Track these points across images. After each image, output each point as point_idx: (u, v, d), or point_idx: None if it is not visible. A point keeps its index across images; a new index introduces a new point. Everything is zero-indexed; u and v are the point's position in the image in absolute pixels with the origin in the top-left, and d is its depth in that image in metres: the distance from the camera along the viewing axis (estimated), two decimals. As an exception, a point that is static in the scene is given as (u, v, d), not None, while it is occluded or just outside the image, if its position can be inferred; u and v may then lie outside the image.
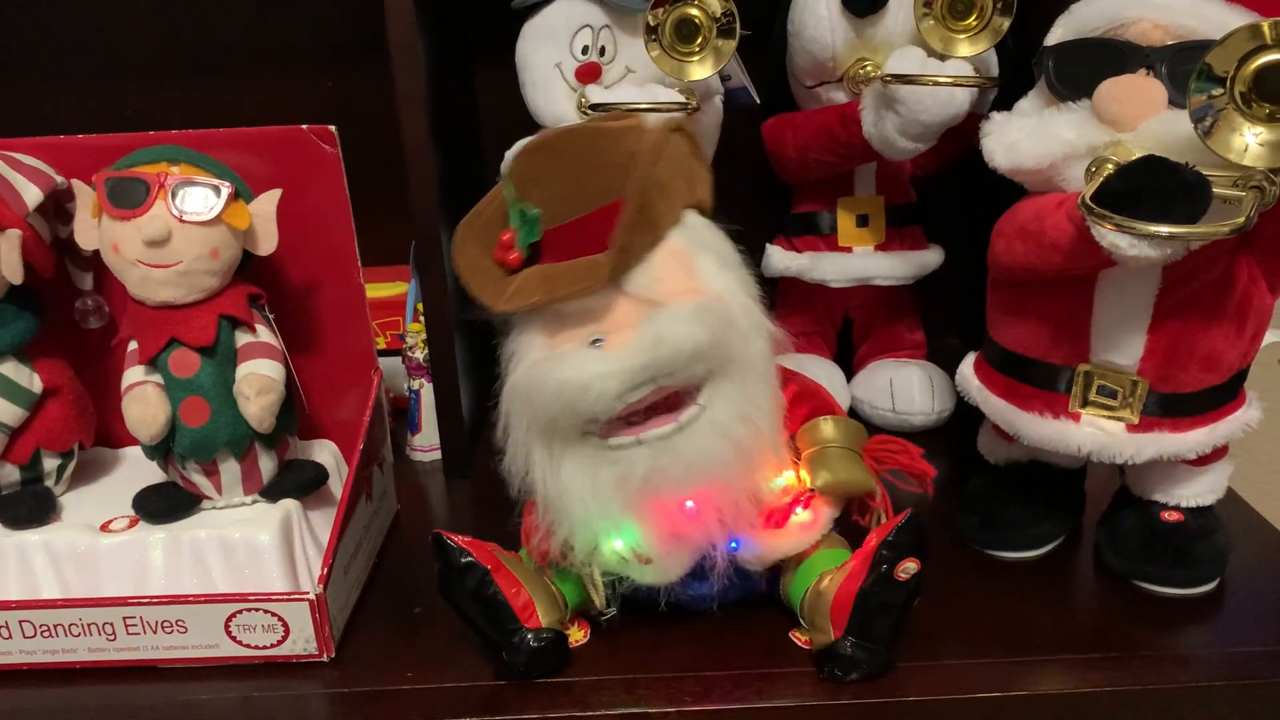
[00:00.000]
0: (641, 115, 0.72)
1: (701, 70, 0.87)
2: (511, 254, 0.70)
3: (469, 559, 0.69)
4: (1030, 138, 0.72)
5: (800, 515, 0.73)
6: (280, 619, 0.72)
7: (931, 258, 1.05)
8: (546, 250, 0.70)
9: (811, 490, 0.73)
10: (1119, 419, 0.75)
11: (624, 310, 0.67)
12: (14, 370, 0.79)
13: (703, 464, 0.66)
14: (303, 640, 0.72)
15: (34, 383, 0.80)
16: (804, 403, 0.76)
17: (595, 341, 0.67)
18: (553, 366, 0.66)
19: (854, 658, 0.68)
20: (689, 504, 0.68)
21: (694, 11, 0.85)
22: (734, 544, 0.71)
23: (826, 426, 0.75)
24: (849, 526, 0.76)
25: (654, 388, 0.65)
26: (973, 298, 1.09)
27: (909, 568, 0.66)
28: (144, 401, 0.75)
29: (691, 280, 0.68)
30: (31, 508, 0.79)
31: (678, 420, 0.67)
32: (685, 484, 0.66)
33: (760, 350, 0.70)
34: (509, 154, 0.96)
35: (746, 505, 0.68)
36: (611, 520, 0.67)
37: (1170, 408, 0.74)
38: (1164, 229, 0.61)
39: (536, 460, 0.69)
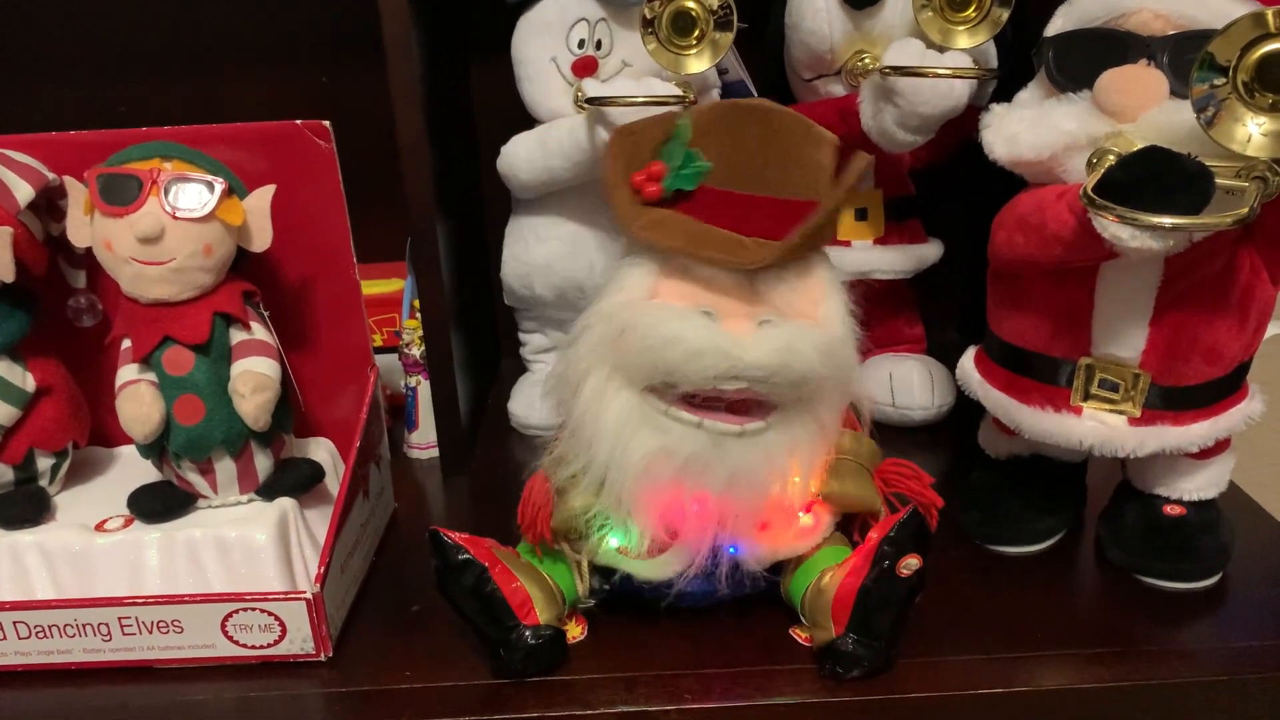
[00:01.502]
0: (827, 136, 0.69)
1: (699, 63, 0.86)
2: (652, 186, 0.67)
3: (466, 556, 0.68)
4: (1030, 129, 0.71)
5: (803, 519, 0.73)
6: (277, 618, 0.71)
7: (931, 251, 1.04)
8: (691, 203, 0.68)
9: (817, 496, 0.72)
10: (1121, 412, 0.74)
11: (744, 300, 0.66)
12: (7, 369, 0.79)
13: (742, 477, 0.66)
14: (300, 640, 0.72)
15: (27, 382, 0.80)
16: None
17: (706, 313, 0.66)
18: (671, 317, 0.64)
19: (855, 654, 0.67)
20: (693, 506, 0.68)
21: (691, 4, 0.84)
22: (733, 549, 0.71)
23: (844, 439, 0.74)
24: (848, 531, 0.76)
25: (747, 387, 0.64)
26: (972, 292, 1.09)
27: (911, 564, 0.66)
28: (138, 400, 0.75)
29: (817, 310, 0.67)
30: (25, 508, 0.78)
31: (743, 426, 0.66)
32: (715, 485, 0.66)
33: (839, 399, 0.70)
34: (508, 146, 0.96)
35: (749, 517, 0.68)
36: (629, 478, 0.66)
37: (1172, 400, 0.74)
38: (1166, 220, 0.61)
39: (590, 386, 0.67)
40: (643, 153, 0.69)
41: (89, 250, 0.77)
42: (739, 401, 0.66)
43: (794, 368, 0.64)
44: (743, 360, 0.63)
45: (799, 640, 0.72)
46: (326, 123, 0.81)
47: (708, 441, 0.66)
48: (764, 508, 0.68)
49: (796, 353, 0.64)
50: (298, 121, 0.81)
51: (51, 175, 0.79)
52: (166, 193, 0.74)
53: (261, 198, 0.78)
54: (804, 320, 0.66)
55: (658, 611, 0.73)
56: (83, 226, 0.76)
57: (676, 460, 0.66)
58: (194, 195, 0.75)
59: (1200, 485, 0.79)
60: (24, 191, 0.77)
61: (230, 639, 0.72)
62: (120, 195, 0.74)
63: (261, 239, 0.78)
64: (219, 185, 0.75)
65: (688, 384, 0.64)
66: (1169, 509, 0.80)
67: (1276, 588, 0.77)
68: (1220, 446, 0.78)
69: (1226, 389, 0.75)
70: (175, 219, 0.74)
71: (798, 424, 0.68)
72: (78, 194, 0.77)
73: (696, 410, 0.66)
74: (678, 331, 0.64)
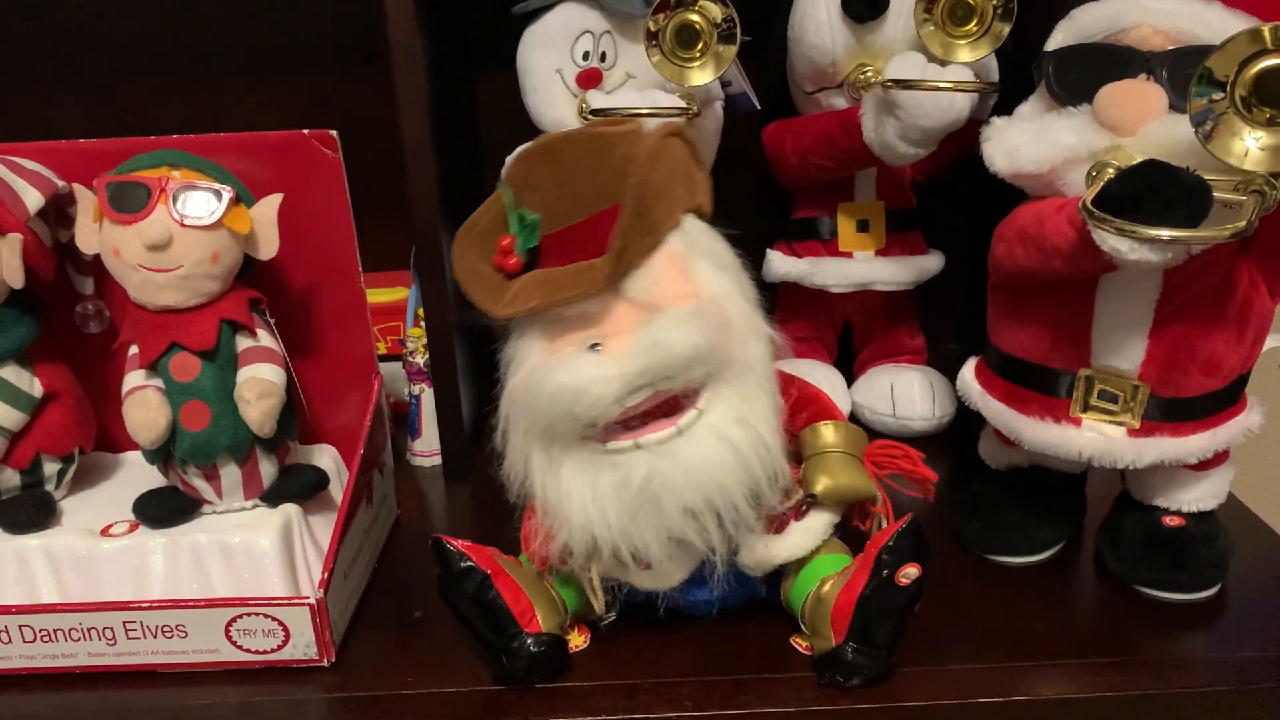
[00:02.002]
0: (640, 120, 0.72)
1: (702, 76, 0.87)
2: (510, 259, 0.69)
3: (469, 563, 0.69)
4: (1031, 142, 0.72)
5: (800, 521, 0.73)
6: (280, 624, 0.71)
7: (932, 263, 1.05)
8: (545, 255, 0.70)
9: (812, 495, 0.73)
10: (1120, 423, 0.75)
11: (622, 314, 0.67)
12: (14, 375, 0.79)
13: (702, 468, 0.66)
14: (303, 645, 0.72)
15: (34, 387, 0.80)
16: (804, 408, 0.76)
17: (593, 346, 0.67)
18: (549, 371, 0.66)
19: (855, 663, 0.68)
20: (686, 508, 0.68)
21: (695, 17, 0.85)
22: (733, 552, 0.71)
23: (827, 431, 0.74)
24: (850, 532, 0.76)
25: (651, 392, 0.65)
26: (972, 303, 1.09)
27: (910, 573, 0.66)
28: (145, 406, 0.75)
29: (689, 284, 0.68)
30: (31, 512, 0.79)
31: (676, 425, 0.66)
32: (684, 488, 0.66)
33: (758, 354, 0.69)
34: (511, 158, 0.97)
35: (746, 509, 0.68)
36: (611, 525, 0.67)
37: (1171, 412, 0.74)
38: (1165, 233, 0.61)
39: (535, 464, 0.69)
40: (491, 236, 0.70)
41: (97, 257, 0.78)
42: (661, 405, 0.66)
43: (675, 353, 0.64)
44: (624, 375, 0.64)
45: (799, 649, 0.73)
46: (333, 132, 0.82)
47: (652, 455, 0.66)
48: (746, 481, 0.67)
49: (665, 340, 0.64)
50: (305, 131, 0.82)
51: (61, 183, 0.80)
52: (175, 201, 0.75)
53: (268, 206, 0.78)
54: (680, 301, 0.66)
55: (659, 620, 0.73)
56: (91, 234, 0.77)
57: (635, 484, 0.65)
58: (202, 203, 0.75)
59: (1199, 497, 0.80)
60: (33, 199, 0.77)
61: (234, 644, 0.72)
62: (129, 203, 0.75)
63: (268, 247, 0.79)
64: (226, 193, 0.76)
65: (599, 419, 0.65)
66: (1168, 520, 0.80)
67: (1275, 599, 0.78)
68: (1219, 458, 0.79)
69: (1225, 401, 0.75)
70: (183, 227, 0.74)
71: (728, 389, 0.67)
72: (87, 201, 0.77)
73: (630, 433, 0.66)
74: (556, 381, 0.65)
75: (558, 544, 0.69)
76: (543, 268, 0.69)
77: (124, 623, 0.72)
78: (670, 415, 0.67)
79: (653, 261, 0.68)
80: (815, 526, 0.73)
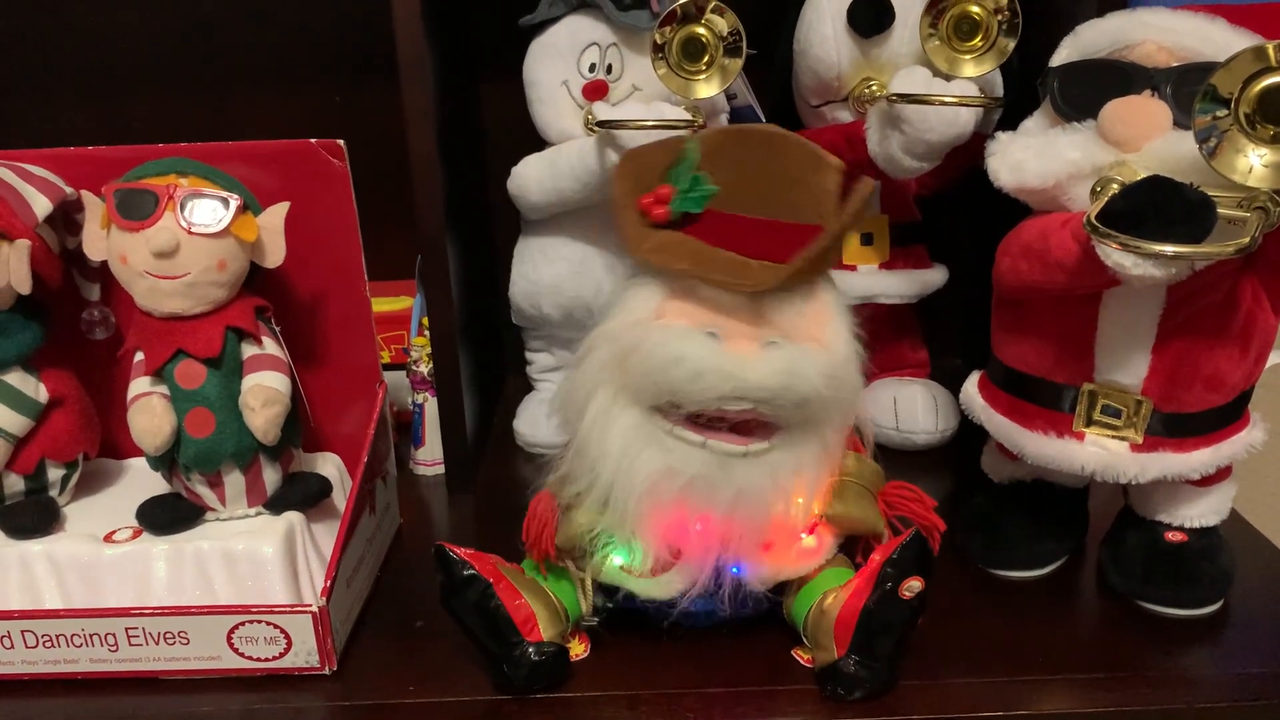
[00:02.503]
0: (832, 161, 0.70)
1: (708, 88, 0.88)
2: (660, 209, 0.68)
3: (471, 571, 0.69)
4: (1035, 157, 0.72)
5: (806, 540, 0.73)
6: (283, 631, 0.71)
7: (935, 276, 1.05)
8: (699, 227, 0.68)
9: (821, 518, 0.73)
10: (1123, 438, 0.75)
11: (751, 323, 0.66)
12: (20, 380, 0.80)
13: (746, 497, 0.66)
14: (305, 653, 0.72)
15: (40, 393, 0.81)
16: None
17: (710, 334, 0.66)
18: (676, 337, 0.65)
19: (857, 676, 0.68)
20: (696, 526, 0.69)
21: (701, 30, 0.86)
22: (736, 569, 0.71)
23: (848, 461, 0.74)
24: (850, 554, 0.76)
25: (750, 408, 0.65)
26: (975, 317, 1.10)
27: (913, 586, 0.66)
28: (149, 412, 0.75)
29: (822, 333, 0.68)
30: (35, 517, 0.79)
31: (748, 447, 0.66)
32: (719, 505, 0.66)
33: (843, 421, 0.70)
34: (518, 168, 0.98)
35: (753, 537, 0.68)
36: (632, 498, 0.66)
37: (1174, 428, 0.74)
38: (1169, 248, 0.61)
39: (596, 407, 0.68)
40: (650, 176, 0.69)
41: (104, 264, 0.78)
42: (743, 422, 0.67)
43: (797, 389, 0.64)
44: (746, 381, 0.64)
45: (801, 661, 0.73)
46: (340, 141, 0.82)
47: (712, 461, 0.66)
48: (768, 528, 0.68)
49: (799, 375, 0.64)
50: (312, 140, 0.82)
51: (69, 189, 0.81)
52: (182, 208, 0.75)
53: (276, 214, 0.79)
54: (809, 343, 0.66)
55: (661, 630, 0.73)
56: (99, 240, 0.77)
57: (681, 480, 0.66)
58: (209, 211, 0.75)
59: (1202, 512, 0.80)
60: (42, 205, 0.78)
61: (236, 651, 0.72)
62: (137, 210, 0.75)
63: (275, 255, 0.79)
64: (234, 201, 0.76)
65: (691, 404, 0.65)
66: (1170, 535, 0.80)
67: (1277, 615, 0.78)
68: (1222, 474, 0.79)
69: (1228, 417, 0.75)
70: (190, 234, 0.75)
71: (801, 445, 0.68)
72: (95, 208, 0.78)
73: (701, 430, 0.66)
74: (682, 352, 0.64)
75: (570, 490, 0.69)
76: (691, 235, 0.68)
77: (126, 629, 0.72)
78: (739, 433, 0.67)
79: (808, 294, 0.68)
80: (819, 547, 0.73)
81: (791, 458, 0.68)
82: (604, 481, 0.67)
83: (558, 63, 0.96)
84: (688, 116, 0.89)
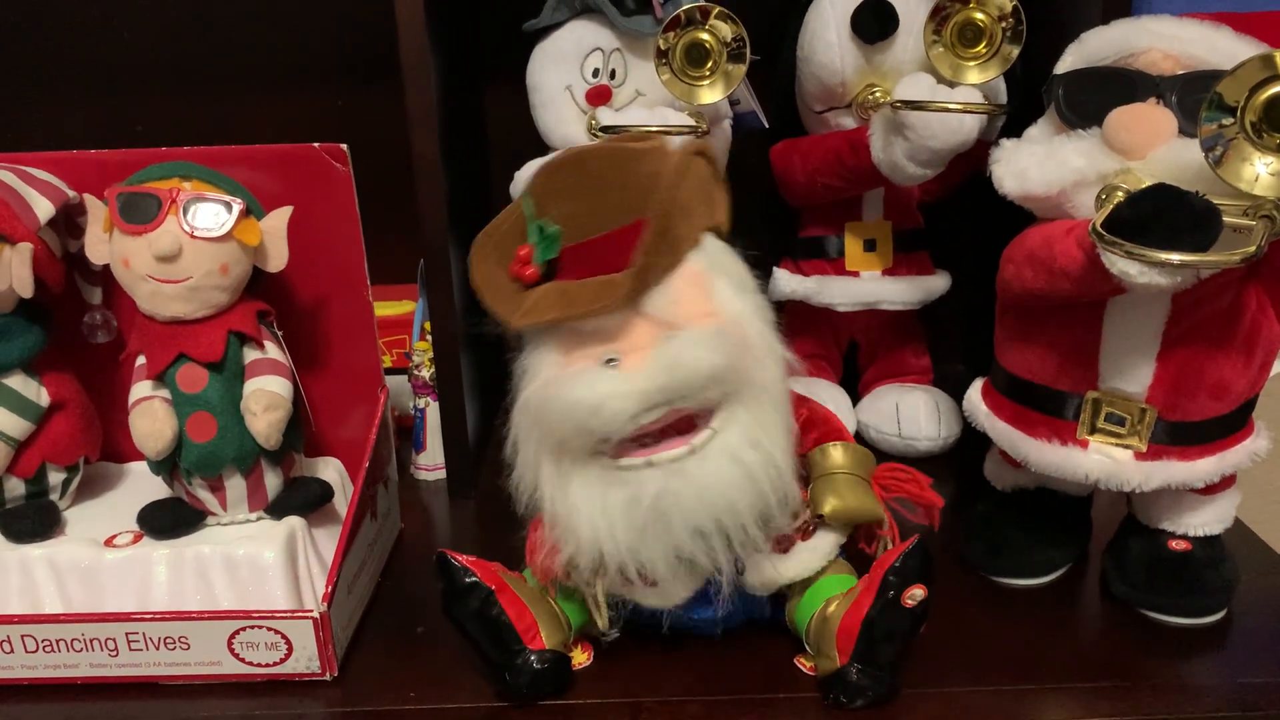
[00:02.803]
0: (662, 136, 0.71)
1: (711, 94, 0.88)
2: (528, 269, 0.69)
3: (473, 579, 0.69)
4: (1040, 165, 0.72)
5: (807, 541, 0.73)
6: (284, 637, 0.71)
7: (938, 283, 1.05)
8: (564, 267, 0.69)
9: (819, 516, 0.72)
10: (1127, 446, 0.75)
11: (640, 331, 0.66)
12: (21, 383, 0.79)
13: (714, 488, 0.65)
14: (305, 658, 0.72)
15: (41, 396, 0.80)
16: (813, 428, 0.76)
17: (610, 361, 0.66)
18: (565, 385, 0.65)
19: (860, 684, 0.67)
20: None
21: (705, 36, 0.86)
22: (739, 572, 0.71)
23: (835, 452, 0.74)
24: (854, 554, 0.76)
25: (668, 410, 0.64)
26: (977, 324, 1.09)
27: (916, 594, 0.66)
28: (151, 416, 0.75)
29: (708, 303, 0.67)
30: (36, 521, 0.79)
31: (690, 443, 0.66)
32: (695, 508, 0.65)
33: (774, 376, 0.69)
34: (520, 173, 0.97)
35: (755, 531, 0.67)
36: (619, 541, 0.66)
37: (1179, 436, 0.74)
38: (1175, 257, 0.61)
39: (545, 477, 0.68)
40: (509, 244, 0.70)
41: (106, 267, 0.78)
42: (675, 423, 0.66)
43: (693, 371, 0.64)
44: (642, 391, 0.63)
45: (803, 669, 0.72)
46: (344, 145, 0.82)
47: (665, 473, 0.65)
48: (756, 504, 0.67)
49: (688, 358, 0.64)
50: (315, 144, 0.82)
51: (71, 193, 0.80)
52: (185, 212, 0.75)
53: (278, 219, 0.79)
54: (700, 320, 0.66)
55: (663, 638, 0.73)
56: (101, 244, 0.77)
57: (646, 503, 0.65)
58: (212, 215, 0.75)
59: (1206, 521, 0.79)
60: (44, 208, 0.78)
61: (236, 656, 0.72)
62: (140, 214, 0.75)
63: (278, 259, 0.79)
64: (237, 205, 0.76)
65: (614, 435, 0.64)
66: (1174, 544, 0.80)
67: (1281, 625, 0.78)
68: (1226, 482, 0.79)
69: (1233, 425, 0.75)
70: (193, 238, 0.75)
71: (745, 415, 0.67)
72: (97, 211, 0.77)
73: (644, 450, 0.66)
74: (573, 395, 0.64)
75: (564, 557, 0.68)
76: (561, 279, 0.69)
77: (126, 634, 0.71)
78: (684, 434, 0.66)
79: (673, 279, 0.67)
80: (821, 547, 0.73)
81: (741, 431, 0.66)
82: (586, 541, 0.66)
83: (561, 68, 0.96)
84: (691, 122, 0.89)
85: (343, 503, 0.85)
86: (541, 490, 0.68)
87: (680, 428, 0.66)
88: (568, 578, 0.70)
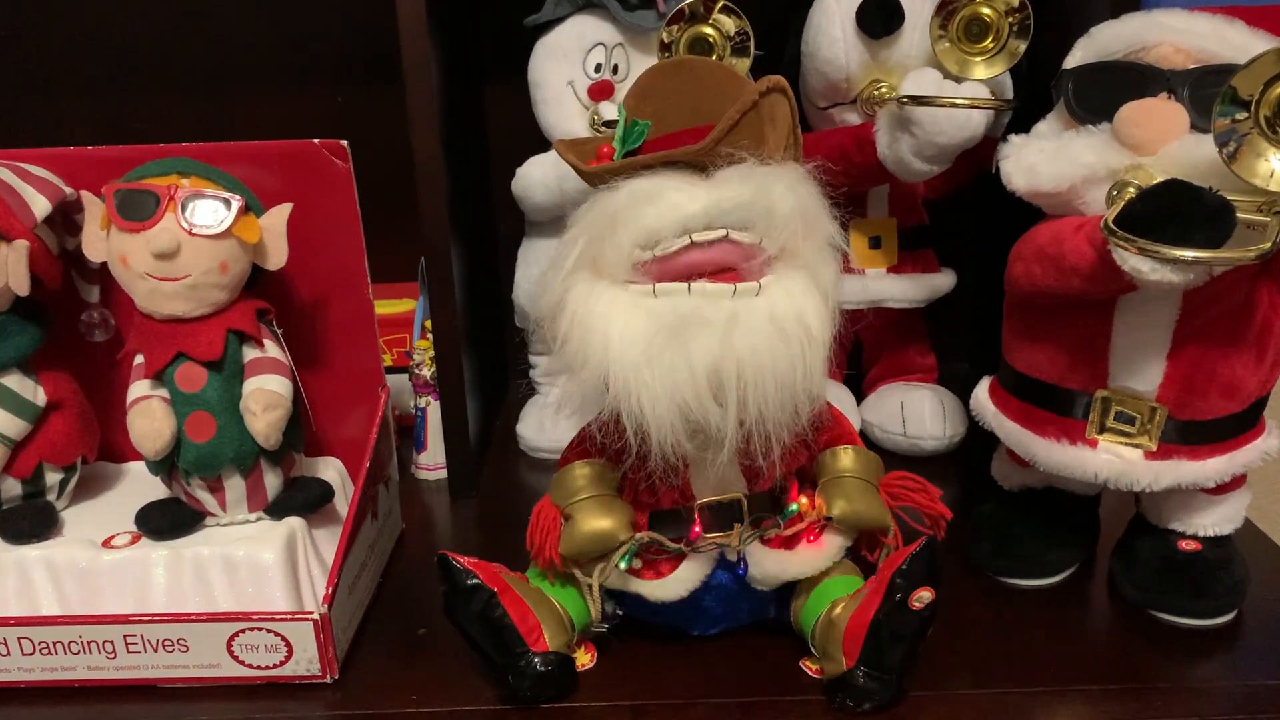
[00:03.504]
0: (740, 77, 0.70)
1: (715, 89, 0.87)
2: (605, 148, 0.68)
3: (475, 580, 0.68)
4: (1049, 161, 0.71)
5: (812, 541, 0.72)
6: (283, 639, 0.71)
7: (944, 281, 1.04)
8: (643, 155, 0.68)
9: (826, 518, 0.72)
10: (1137, 446, 0.74)
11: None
12: (18, 383, 0.79)
13: (745, 333, 0.63)
14: (306, 661, 0.71)
15: (38, 395, 0.80)
16: (825, 429, 0.75)
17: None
18: (647, 183, 0.64)
19: (866, 687, 0.67)
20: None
21: (708, 30, 0.85)
22: (741, 569, 0.71)
23: (846, 456, 0.74)
24: (857, 559, 0.76)
25: (724, 235, 0.63)
26: (982, 322, 1.09)
27: (923, 596, 0.65)
28: (149, 416, 0.75)
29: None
30: (33, 522, 0.78)
31: (735, 286, 0.64)
32: (719, 345, 0.63)
33: (827, 261, 0.67)
34: (522, 170, 0.97)
35: (775, 399, 0.64)
36: (630, 366, 0.63)
37: (1189, 435, 0.73)
38: (1188, 253, 0.60)
39: (575, 294, 0.66)
40: (587, 149, 0.70)
41: (103, 265, 0.77)
42: (722, 271, 0.65)
43: (768, 203, 0.63)
44: (719, 196, 0.63)
45: (809, 671, 0.72)
46: (344, 142, 0.82)
47: (701, 303, 0.64)
48: (781, 371, 0.64)
49: (756, 181, 0.63)
50: (315, 141, 0.81)
51: (69, 190, 0.80)
52: (184, 209, 0.74)
53: (278, 216, 0.78)
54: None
55: (667, 640, 0.73)
56: (99, 241, 0.76)
57: (671, 321, 0.63)
58: (211, 212, 0.75)
59: (1215, 521, 0.79)
60: (41, 205, 0.77)
61: (236, 659, 0.71)
62: (137, 211, 0.74)
63: (277, 257, 0.78)
64: (236, 202, 0.75)
65: (665, 237, 0.63)
66: (1184, 544, 0.79)
67: (1292, 626, 0.77)
68: (1236, 482, 0.78)
69: (1244, 424, 0.74)
70: (192, 235, 0.74)
71: (792, 282, 0.65)
72: (95, 209, 0.77)
73: (682, 280, 0.64)
74: (641, 188, 0.63)
75: (564, 392, 0.67)
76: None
77: (124, 636, 0.71)
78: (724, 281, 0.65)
79: (751, 169, 0.65)
80: (827, 547, 0.72)
81: (784, 295, 0.65)
82: (598, 359, 0.64)
83: (563, 63, 0.95)
84: (695, 118, 0.88)
85: (343, 503, 0.85)
86: (566, 306, 0.66)
87: (717, 276, 0.65)
88: (564, 566, 0.70)
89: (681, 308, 0.64)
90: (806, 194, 0.66)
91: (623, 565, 0.70)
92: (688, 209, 0.63)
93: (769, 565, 0.71)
